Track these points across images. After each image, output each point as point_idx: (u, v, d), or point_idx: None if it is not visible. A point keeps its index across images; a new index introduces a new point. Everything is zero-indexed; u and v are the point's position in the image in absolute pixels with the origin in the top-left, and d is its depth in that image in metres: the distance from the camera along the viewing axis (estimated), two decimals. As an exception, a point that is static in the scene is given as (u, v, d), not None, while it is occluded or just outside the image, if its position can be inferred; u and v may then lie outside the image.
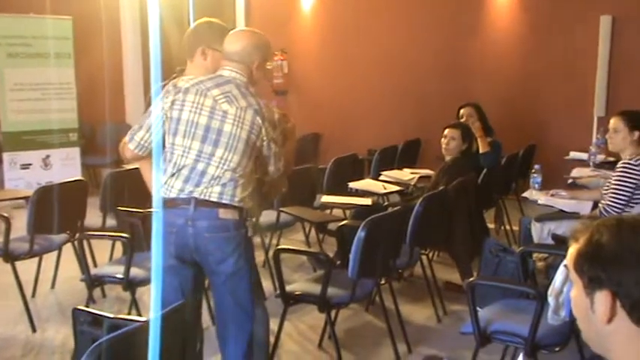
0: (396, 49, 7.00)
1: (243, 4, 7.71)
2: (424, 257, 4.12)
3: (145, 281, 3.28)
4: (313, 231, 5.12)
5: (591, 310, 1.17)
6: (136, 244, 3.37)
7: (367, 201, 4.36)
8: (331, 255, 3.47)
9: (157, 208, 2.50)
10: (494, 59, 6.59)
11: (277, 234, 4.76)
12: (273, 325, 2.92)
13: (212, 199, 2.43)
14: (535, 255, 3.52)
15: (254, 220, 2.66)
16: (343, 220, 4.22)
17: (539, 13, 6.36)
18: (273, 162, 2.57)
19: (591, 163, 5.09)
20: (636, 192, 3.59)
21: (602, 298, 1.14)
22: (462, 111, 5.10)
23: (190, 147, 2.42)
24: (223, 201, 2.45)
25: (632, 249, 1.14)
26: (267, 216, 4.31)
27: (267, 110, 2.52)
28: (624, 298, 1.13)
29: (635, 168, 3.60)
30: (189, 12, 6.64)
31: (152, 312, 2.43)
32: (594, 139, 5.53)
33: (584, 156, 5.30)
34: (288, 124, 2.70)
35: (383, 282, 3.58)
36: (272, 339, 2.96)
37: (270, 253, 4.46)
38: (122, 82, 7.79)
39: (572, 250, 1.22)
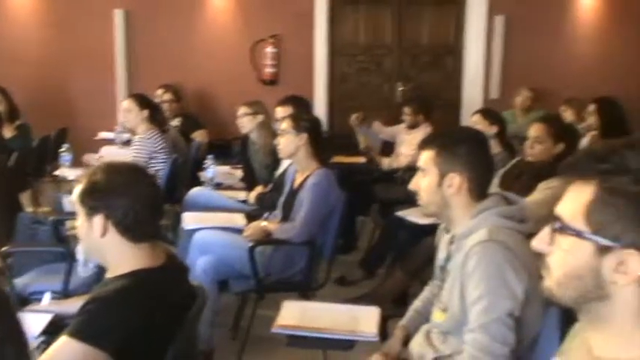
0: None
1: None
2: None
3: None
4: None
5: (89, 230, 1.70)
6: None
7: None
8: None
9: None
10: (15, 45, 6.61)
11: None
12: None
13: None
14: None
15: None
16: None
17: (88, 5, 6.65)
18: None
19: (118, 141, 5.69)
20: (151, 161, 4.29)
21: (98, 220, 1.68)
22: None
23: None
24: None
25: (115, 183, 1.70)
26: None
27: None
28: (112, 218, 1.68)
29: (146, 141, 4.29)
30: None
31: None
32: (120, 120, 6.11)
33: (111, 135, 5.86)
34: None
35: None
36: None
37: None
38: None
39: (77, 189, 1.72)
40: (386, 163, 5.24)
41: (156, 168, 4.27)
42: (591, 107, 4.93)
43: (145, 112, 4.31)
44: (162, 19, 6.68)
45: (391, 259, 3.99)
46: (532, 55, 6.78)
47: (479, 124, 4.13)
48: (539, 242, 1.09)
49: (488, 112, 4.33)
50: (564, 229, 1.03)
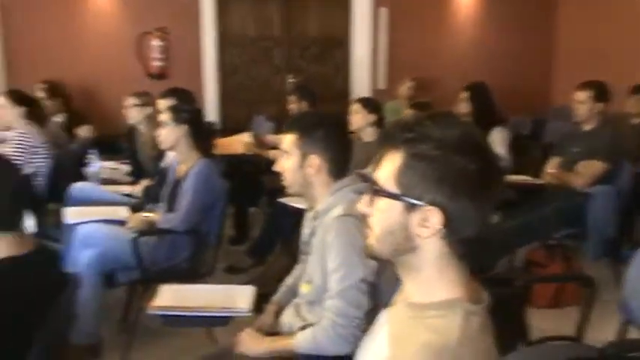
0: None
1: None
2: None
3: None
4: None
5: None
6: None
7: None
8: None
9: None
10: None
11: None
12: None
13: None
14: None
15: None
16: None
17: None
18: None
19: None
20: (30, 158, 4.14)
21: None
22: None
23: None
24: None
25: None
26: None
27: None
28: None
29: (23, 138, 4.15)
30: None
31: None
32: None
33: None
34: None
35: None
36: None
37: None
38: None
39: None
40: (271, 154, 5.32)
41: (37, 164, 4.16)
42: (464, 94, 5.22)
43: (20, 109, 4.18)
44: (41, 12, 6.45)
45: (279, 245, 4.10)
46: (415, 46, 7.11)
47: (358, 112, 4.31)
48: (362, 205, 1.21)
49: (367, 101, 4.51)
50: (379, 192, 1.16)
